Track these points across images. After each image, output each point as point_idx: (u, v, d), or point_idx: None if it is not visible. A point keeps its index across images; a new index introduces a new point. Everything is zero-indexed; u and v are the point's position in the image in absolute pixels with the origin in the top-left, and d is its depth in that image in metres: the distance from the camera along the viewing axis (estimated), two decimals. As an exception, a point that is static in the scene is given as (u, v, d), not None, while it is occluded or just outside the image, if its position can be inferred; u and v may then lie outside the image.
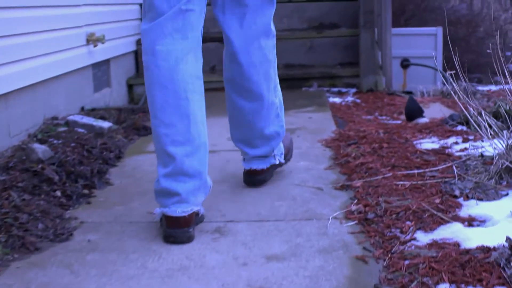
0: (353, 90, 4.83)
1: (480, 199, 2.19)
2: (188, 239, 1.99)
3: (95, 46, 3.97)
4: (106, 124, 3.32)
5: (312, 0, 5.50)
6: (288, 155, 2.63)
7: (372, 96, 4.52)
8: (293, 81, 4.92)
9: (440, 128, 3.18)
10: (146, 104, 2.60)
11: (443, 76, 5.39)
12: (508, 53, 8.23)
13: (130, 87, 4.96)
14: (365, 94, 4.60)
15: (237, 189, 2.50)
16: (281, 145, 2.54)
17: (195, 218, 2.04)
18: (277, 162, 2.50)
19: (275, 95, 2.38)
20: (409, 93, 5.07)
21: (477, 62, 6.61)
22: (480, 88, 6.05)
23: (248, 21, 2.20)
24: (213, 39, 5.20)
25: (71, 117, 3.36)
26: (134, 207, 2.35)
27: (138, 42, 5.21)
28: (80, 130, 3.21)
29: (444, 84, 5.43)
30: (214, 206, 2.29)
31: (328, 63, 5.20)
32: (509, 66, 7.23)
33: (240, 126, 2.39)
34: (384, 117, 3.89)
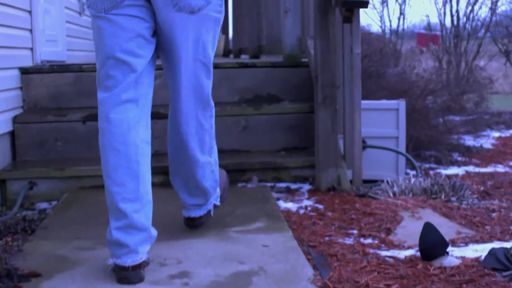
0: (307, 186, 3.63)
1: None
2: (140, 280, 2.19)
3: None
4: None
5: (244, 66, 4.31)
6: (224, 195, 2.86)
7: (337, 199, 3.33)
8: (225, 174, 3.68)
9: (489, 281, 2.00)
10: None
11: (414, 166, 4.27)
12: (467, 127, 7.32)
13: (2, 182, 3.59)
14: (326, 195, 3.40)
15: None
16: (217, 189, 2.73)
17: (143, 264, 2.22)
18: (212, 207, 2.72)
19: (210, 155, 2.61)
20: (373, 181, 3.93)
21: (431, 136, 5.59)
22: (443, 171, 5.01)
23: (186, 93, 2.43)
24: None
25: None
26: None
27: (17, 120, 3.86)
28: None
29: (416, 175, 4.32)
30: None
31: (269, 149, 3.99)
32: (464, 138, 5.95)
33: (179, 175, 2.62)
34: (369, 240, 2.70)
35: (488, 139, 6.99)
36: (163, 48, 2.36)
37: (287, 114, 4.00)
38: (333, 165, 3.49)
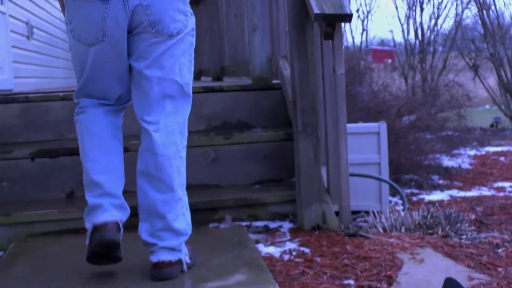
0: (288, 225, 3.23)
1: None
2: (114, 260, 2.37)
3: None
4: None
5: (211, 90, 3.90)
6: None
7: (324, 240, 2.93)
8: (195, 213, 3.25)
9: None
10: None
11: (398, 193, 3.90)
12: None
13: None
14: (311, 236, 3.00)
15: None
16: (186, 247, 2.53)
17: (119, 236, 2.35)
18: (184, 260, 2.47)
19: (183, 193, 2.49)
20: (355, 212, 3.55)
21: (411, 160, 5.24)
22: (426, 197, 4.66)
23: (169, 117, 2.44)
24: (69, 151, 3.48)
25: None
26: None
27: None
28: None
29: (402, 204, 3.95)
30: None
31: (243, 182, 3.58)
32: (439, 158, 5.56)
33: (151, 217, 2.41)
34: (370, 293, 2.31)
35: (465, 158, 6.70)
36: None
37: (261, 143, 3.59)
38: (317, 200, 3.10)
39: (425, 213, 3.32)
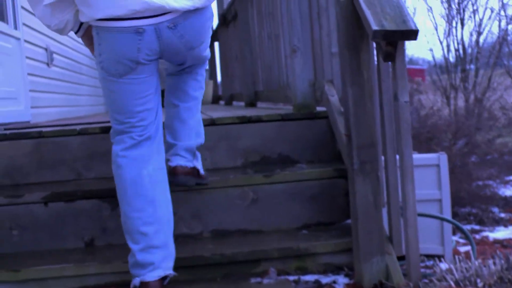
0: (343, 279, 2.73)
1: None
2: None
3: None
4: None
5: (247, 121, 3.44)
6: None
7: (391, 301, 2.43)
8: (232, 266, 2.78)
9: None
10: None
11: (468, 239, 3.39)
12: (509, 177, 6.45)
13: None
14: (374, 295, 2.51)
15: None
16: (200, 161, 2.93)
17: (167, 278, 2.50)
18: (199, 170, 2.89)
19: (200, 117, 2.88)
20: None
21: (468, 191, 4.72)
22: (490, 234, 4.15)
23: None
24: (88, 194, 3.05)
25: None
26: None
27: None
28: None
29: (471, 249, 3.43)
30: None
31: (287, 227, 3.10)
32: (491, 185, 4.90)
33: (173, 123, 2.79)
34: None
35: (521, 185, 6.14)
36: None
37: (307, 181, 3.11)
38: (378, 252, 2.60)
39: (504, 264, 2.81)
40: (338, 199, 3.12)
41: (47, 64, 5.60)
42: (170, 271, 2.50)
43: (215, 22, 8.37)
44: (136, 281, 2.46)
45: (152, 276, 2.44)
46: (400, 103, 2.48)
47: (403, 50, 2.49)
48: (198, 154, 2.95)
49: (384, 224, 2.69)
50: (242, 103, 6.35)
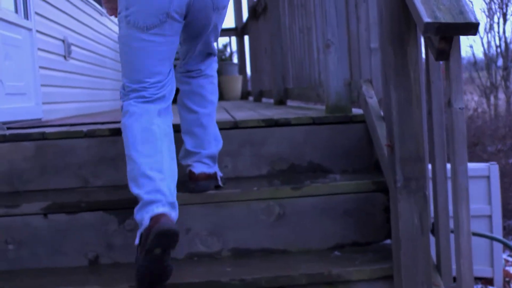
0: (381, 314, 2.36)
1: None
2: (167, 266, 2.27)
3: None
4: None
5: (274, 124, 3.06)
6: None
7: None
8: (253, 293, 2.41)
9: None
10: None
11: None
12: None
13: None
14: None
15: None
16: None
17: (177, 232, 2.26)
18: (219, 176, 2.78)
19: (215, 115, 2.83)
20: None
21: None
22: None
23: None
24: (93, 205, 2.71)
25: None
26: None
27: None
28: None
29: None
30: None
31: (317, 247, 2.72)
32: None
33: (193, 130, 2.76)
34: None
35: None
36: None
37: (341, 195, 2.73)
38: (424, 284, 2.21)
39: None
40: (376, 215, 2.73)
41: (64, 57, 5.27)
42: (177, 217, 2.40)
43: (245, 15, 8.07)
44: (145, 217, 2.29)
45: (162, 210, 2.30)
46: (455, 110, 2.08)
47: (459, 47, 2.09)
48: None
49: (431, 251, 2.30)
50: (271, 100, 5.99)
